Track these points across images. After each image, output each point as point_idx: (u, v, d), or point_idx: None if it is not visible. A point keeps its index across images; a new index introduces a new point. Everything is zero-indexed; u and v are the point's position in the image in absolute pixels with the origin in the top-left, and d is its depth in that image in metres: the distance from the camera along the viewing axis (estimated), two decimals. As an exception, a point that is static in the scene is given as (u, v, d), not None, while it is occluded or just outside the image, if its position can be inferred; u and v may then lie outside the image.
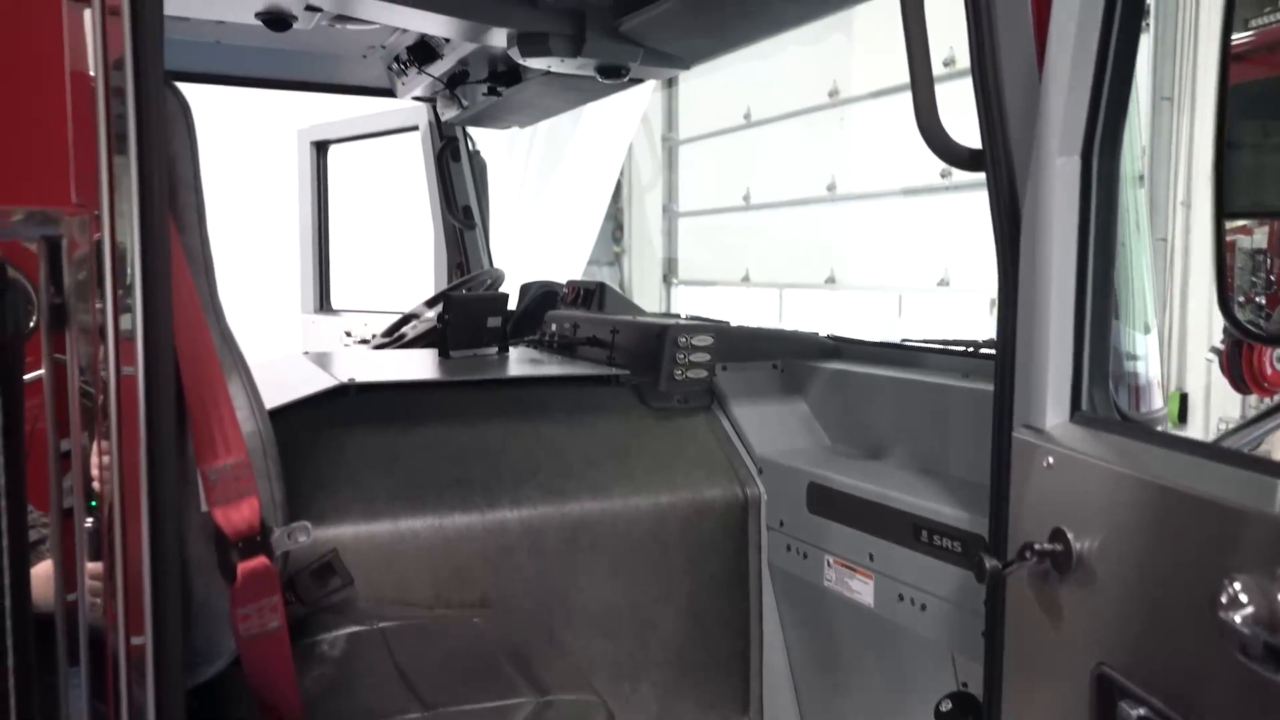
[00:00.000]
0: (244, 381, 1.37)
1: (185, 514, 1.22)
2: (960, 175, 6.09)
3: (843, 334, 2.84)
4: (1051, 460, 1.36)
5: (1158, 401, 1.70)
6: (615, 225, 9.08)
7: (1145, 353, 1.67)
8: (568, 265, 6.43)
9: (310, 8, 2.69)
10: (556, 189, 6.53)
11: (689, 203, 8.82)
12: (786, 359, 2.66)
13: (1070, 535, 1.27)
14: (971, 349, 2.42)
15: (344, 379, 2.29)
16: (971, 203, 5.77)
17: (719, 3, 2.44)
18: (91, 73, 1.05)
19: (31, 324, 1.08)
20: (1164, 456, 1.22)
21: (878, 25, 6.01)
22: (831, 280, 7.33)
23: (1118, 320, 1.49)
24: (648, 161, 8.88)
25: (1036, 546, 1.30)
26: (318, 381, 2.33)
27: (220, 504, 1.25)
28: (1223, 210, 1.30)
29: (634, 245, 9.18)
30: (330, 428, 2.18)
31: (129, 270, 1.09)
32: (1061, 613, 1.28)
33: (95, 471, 1.13)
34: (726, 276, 8.37)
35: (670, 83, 8.35)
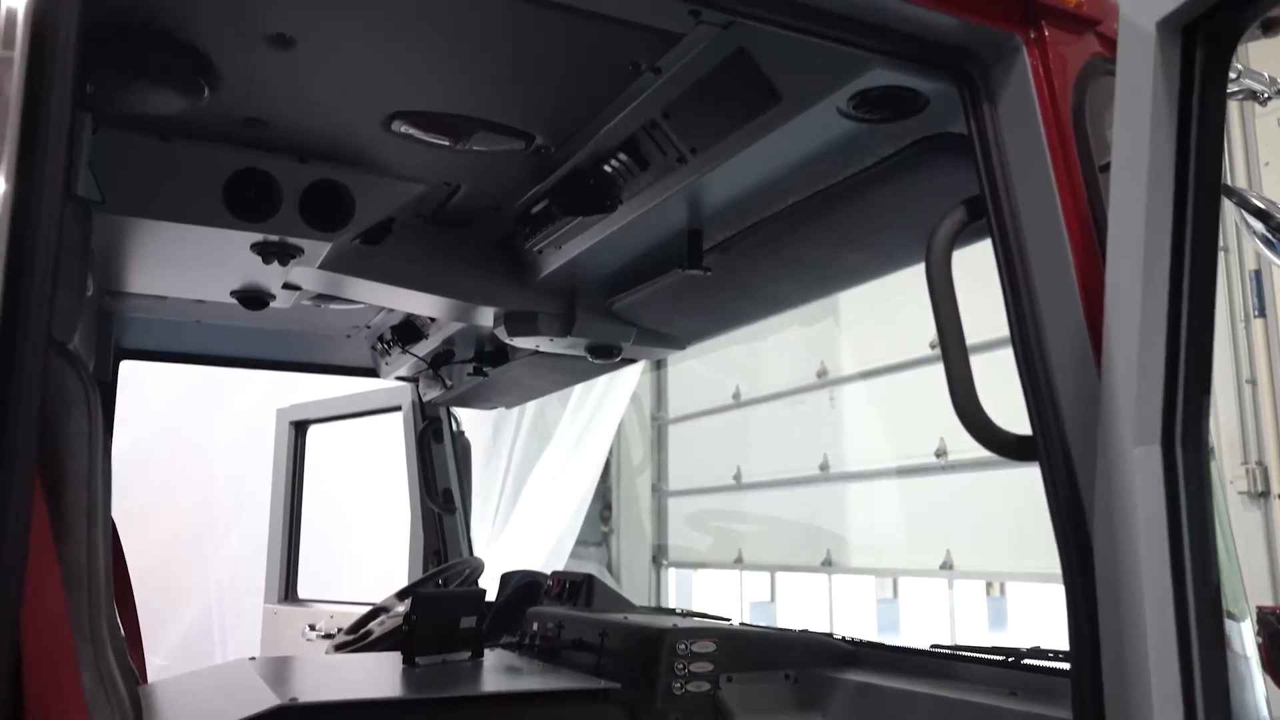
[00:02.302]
0: None
1: None
2: (956, 455, 5.92)
3: (861, 637, 2.52)
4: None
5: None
6: (603, 505, 8.82)
7: (1251, 670, 1.37)
8: (554, 550, 6.12)
9: (289, 286, 2.57)
10: (545, 470, 6.34)
11: (679, 482, 8.64)
12: (800, 668, 2.33)
13: None
14: (1013, 659, 2.11)
15: (285, 697, 1.95)
16: (970, 484, 5.58)
17: (714, 284, 2.33)
18: None
19: None
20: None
21: (863, 306, 6.10)
22: (828, 563, 7.00)
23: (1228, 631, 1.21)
24: (636, 440, 8.77)
25: None
26: (256, 699, 1.98)
27: None
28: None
29: (622, 525, 8.88)
30: None
31: None
32: None
33: None
34: (719, 558, 8.03)
35: (659, 363, 8.41)
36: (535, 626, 2.80)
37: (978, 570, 5.95)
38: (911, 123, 1.63)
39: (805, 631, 2.59)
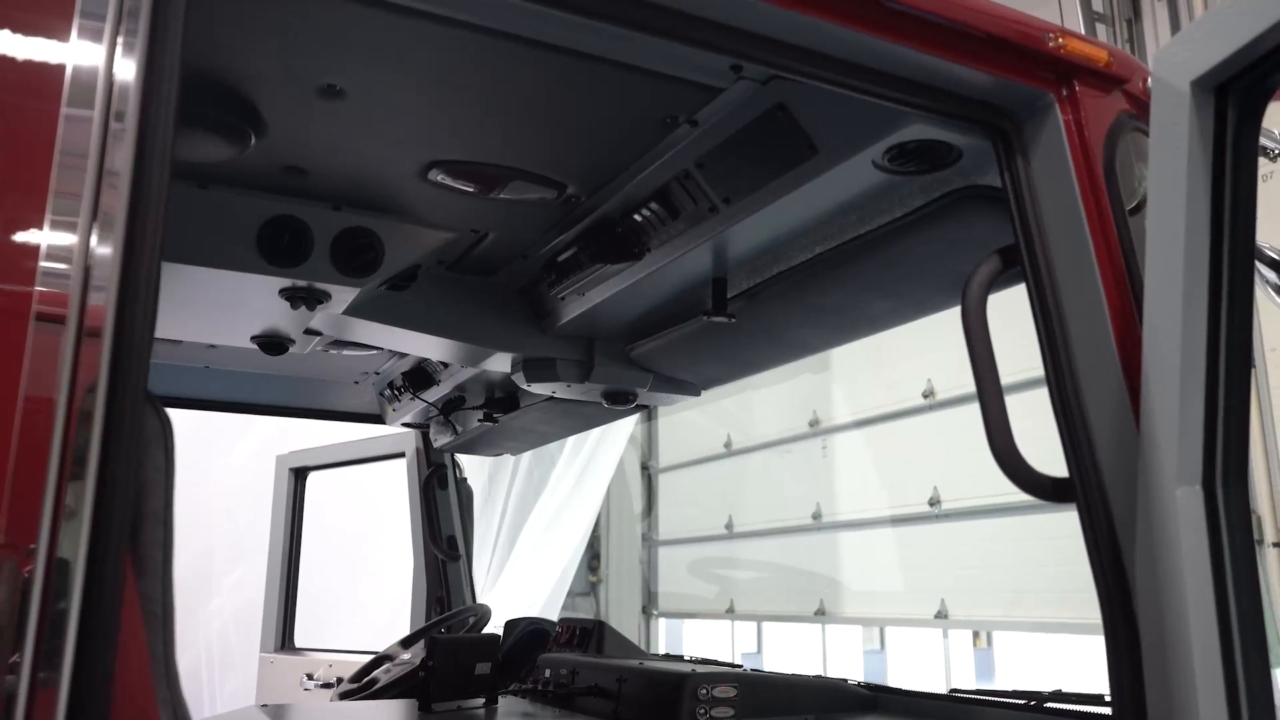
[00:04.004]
0: None
1: None
2: (950, 504, 5.94)
3: (876, 682, 2.53)
4: None
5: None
6: (591, 555, 8.77)
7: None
8: (549, 599, 6.08)
9: (310, 331, 2.60)
10: (540, 518, 6.32)
11: (669, 531, 8.61)
12: (819, 713, 2.33)
13: None
14: (1035, 702, 2.12)
15: (311, 743, 1.94)
16: (963, 533, 5.61)
17: (736, 331, 2.37)
18: (55, 397, 0.87)
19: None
20: None
21: (855, 357, 6.16)
22: (821, 613, 6.98)
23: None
24: (627, 489, 8.76)
25: None
26: (279, 745, 1.97)
27: None
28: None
29: (611, 575, 8.83)
30: None
31: (65, 624, 0.85)
32: None
33: None
34: (710, 609, 7.99)
35: (649, 412, 8.42)
36: (548, 673, 2.79)
37: (973, 620, 5.95)
38: (943, 175, 1.69)
39: (821, 677, 2.59)
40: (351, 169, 2.00)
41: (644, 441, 8.77)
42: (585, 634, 3.05)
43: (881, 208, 1.83)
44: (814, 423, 6.99)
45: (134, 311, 0.91)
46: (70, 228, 0.89)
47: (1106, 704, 2.03)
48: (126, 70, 0.93)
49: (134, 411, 0.90)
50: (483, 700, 2.62)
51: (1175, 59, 1.25)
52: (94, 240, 0.90)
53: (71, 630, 0.83)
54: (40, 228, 0.88)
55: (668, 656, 3.15)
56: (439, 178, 1.99)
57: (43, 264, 0.88)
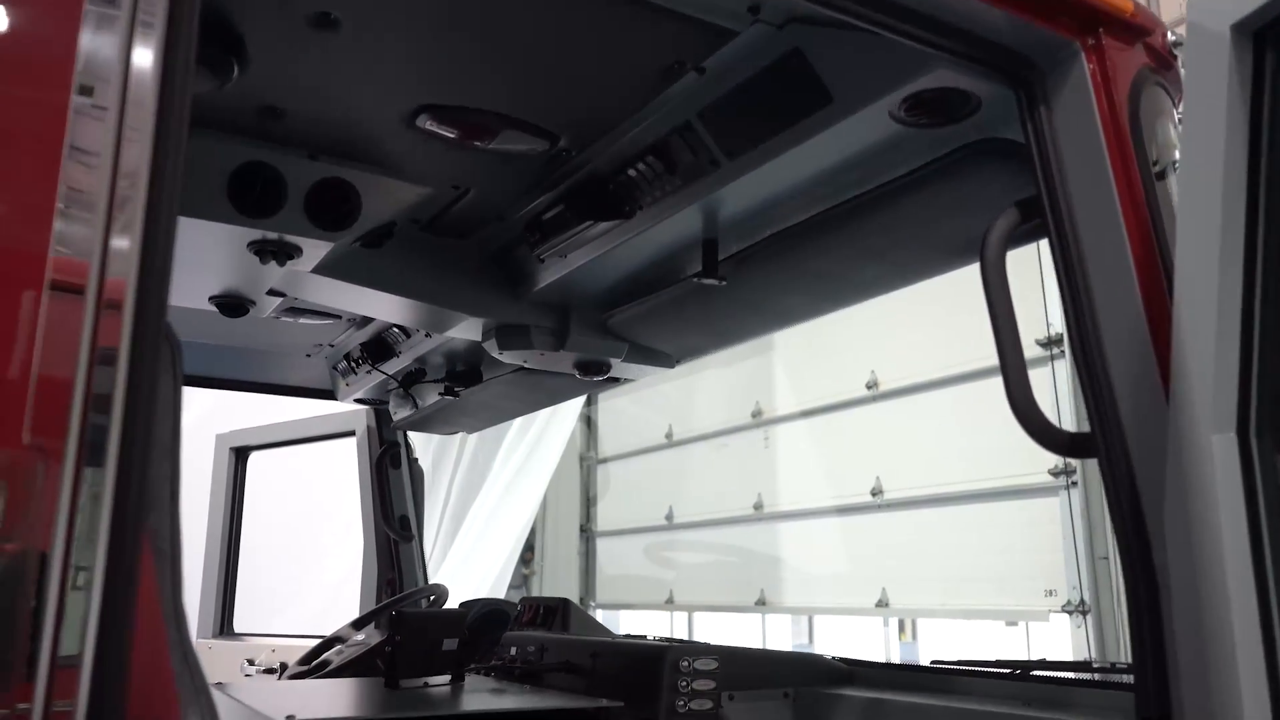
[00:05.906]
0: (205, 716, 0.98)
1: None
2: (892, 494, 5.98)
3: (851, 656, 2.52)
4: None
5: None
6: (525, 547, 8.67)
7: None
8: (492, 589, 5.99)
9: (273, 292, 2.47)
10: (482, 507, 6.21)
11: (608, 522, 8.55)
12: (798, 686, 2.30)
13: None
14: (1019, 671, 2.12)
15: (281, 714, 1.84)
16: (904, 522, 5.66)
17: (719, 298, 2.32)
18: (73, 376, 0.83)
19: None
20: None
21: (798, 347, 6.18)
22: (762, 602, 6.98)
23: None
24: (564, 480, 8.68)
25: None
26: (251, 717, 1.87)
27: None
28: None
29: (546, 567, 8.73)
30: None
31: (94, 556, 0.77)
32: None
33: None
34: (649, 599, 7.94)
35: (589, 401, 8.35)
36: (514, 650, 2.72)
37: (913, 609, 6.01)
38: (959, 128, 1.66)
39: (798, 651, 2.57)
40: (333, 112, 1.90)
41: (582, 432, 8.69)
42: (550, 612, 2.99)
43: (887, 164, 1.80)
44: (756, 413, 7.00)
45: (153, 261, 0.88)
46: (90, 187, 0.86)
47: (1091, 671, 2.04)
48: (144, 47, 0.91)
49: (150, 381, 0.84)
50: (449, 677, 2.53)
51: (1214, 2, 1.24)
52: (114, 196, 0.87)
53: (101, 555, 0.75)
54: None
55: (631, 636, 3.11)
56: (427, 124, 1.90)
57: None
